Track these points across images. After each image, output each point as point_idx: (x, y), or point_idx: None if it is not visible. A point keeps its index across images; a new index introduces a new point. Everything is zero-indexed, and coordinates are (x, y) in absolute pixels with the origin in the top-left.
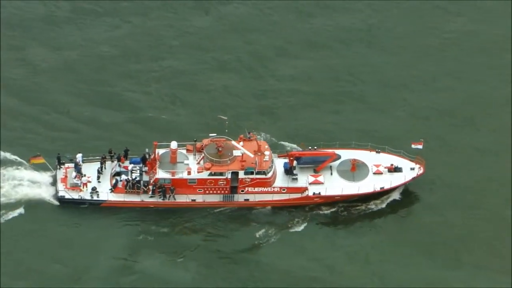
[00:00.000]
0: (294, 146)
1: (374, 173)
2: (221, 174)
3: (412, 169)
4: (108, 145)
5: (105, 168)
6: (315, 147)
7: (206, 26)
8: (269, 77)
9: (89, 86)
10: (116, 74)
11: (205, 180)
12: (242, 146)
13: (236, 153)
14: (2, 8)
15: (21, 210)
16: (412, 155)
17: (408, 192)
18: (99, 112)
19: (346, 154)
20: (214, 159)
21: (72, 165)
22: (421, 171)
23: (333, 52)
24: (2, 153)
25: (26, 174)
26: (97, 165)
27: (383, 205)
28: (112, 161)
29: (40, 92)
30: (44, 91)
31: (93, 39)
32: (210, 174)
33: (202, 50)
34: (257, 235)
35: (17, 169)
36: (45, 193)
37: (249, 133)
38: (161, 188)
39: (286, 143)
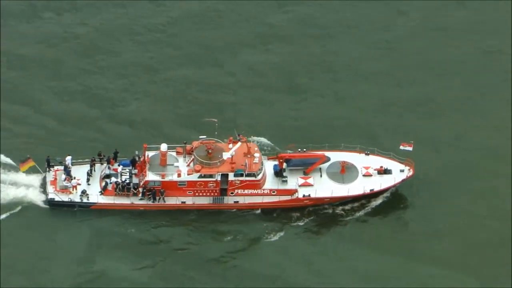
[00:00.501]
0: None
1: (363, 175)
2: (211, 176)
3: (402, 171)
4: (96, 147)
5: (94, 170)
6: (305, 149)
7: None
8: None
9: (72, 84)
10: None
11: (195, 182)
12: (231, 148)
13: (225, 155)
14: None
15: (10, 213)
16: (401, 157)
17: (397, 194)
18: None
19: (336, 156)
20: (204, 161)
21: (61, 167)
22: (411, 173)
23: (299, 45)
24: None
25: (14, 176)
26: (86, 167)
27: (372, 207)
28: (102, 164)
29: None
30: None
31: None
32: (200, 176)
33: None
34: (246, 238)
35: (6, 171)
36: (35, 195)
37: (238, 135)
38: (151, 191)
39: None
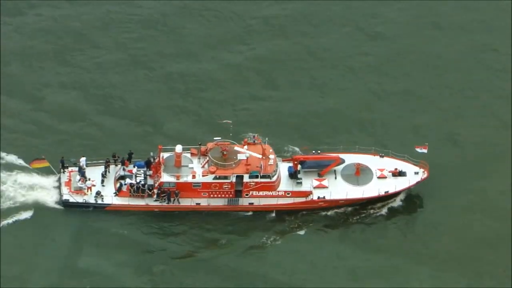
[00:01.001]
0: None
1: (378, 177)
2: (225, 177)
3: (416, 173)
4: (110, 149)
5: (109, 172)
6: (319, 151)
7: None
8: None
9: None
10: None
11: (209, 183)
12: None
13: (240, 156)
14: None
15: (26, 214)
16: (415, 159)
17: (411, 196)
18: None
19: (350, 158)
20: (219, 162)
21: (75, 168)
22: (425, 175)
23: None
24: (4, 155)
25: (29, 177)
26: (101, 169)
27: (386, 210)
28: (116, 165)
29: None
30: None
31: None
32: (215, 178)
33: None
34: (262, 240)
35: (20, 172)
36: (49, 196)
37: (254, 136)
38: (165, 192)
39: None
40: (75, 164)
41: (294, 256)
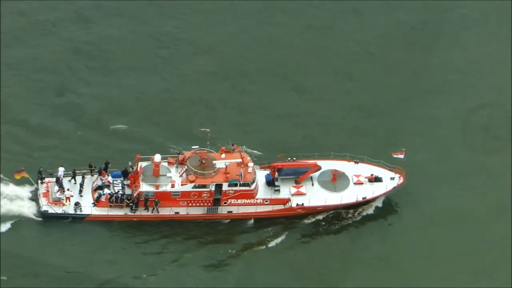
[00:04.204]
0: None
1: (355, 183)
2: (205, 186)
3: (392, 178)
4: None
5: (75, 182)
6: (294, 158)
7: None
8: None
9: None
10: None
11: (189, 192)
12: (224, 158)
13: (219, 164)
14: None
15: (4, 226)
16: (391, 165)
17: (388, 201)
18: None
19: (325, 165)
20: (198, 171)
21: (53, 179)
22: (402, 180)
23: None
24: None
25: (5, 188)
26: (78, 179)
27: (364, 216)
28: (92, 175)
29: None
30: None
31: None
32: (194, 187)
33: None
34: (240, 248)
35: None
36: (27, 207)
37: (232, 144)
38: (133, 201)
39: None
40: (51, 175)
41: (274, 263)
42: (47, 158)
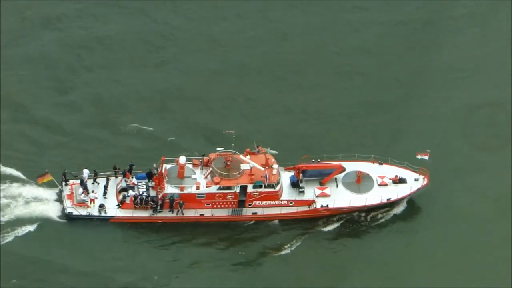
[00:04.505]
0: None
1: (379, 185)
2: (229, 188)
3: (416, 180)
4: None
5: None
6: (319, 160)
7: None
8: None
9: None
10: None
11: (213, 194)
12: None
13: (244, 166)
14: None
15: (29, 228)
16: (415, 166)
17: (412, 202)
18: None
19: (350, 166)
20: (223, 173)
21: (77, 181)
22: (426, 181)
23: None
24: (4, 169)
25: (30, 191)
26: (102, 181)
27: (389, 217)
28: (116, 177)
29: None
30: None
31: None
32: (219, 189)
33: None
34: (265, 249)
35: (22, 186)
36: (52, 210)
37: (257, 146)
38: (156, 202)
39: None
40: (75, 177)
41: (300, 264)
42: (65, 159)
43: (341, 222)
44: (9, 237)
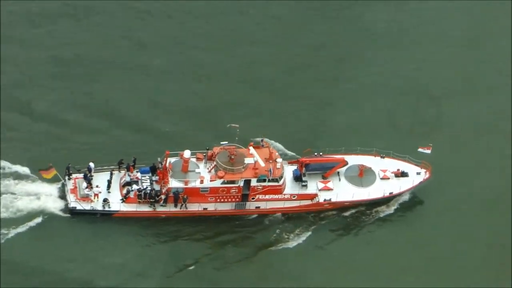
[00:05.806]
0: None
1: (381, 178)
2: (233, 182)
3: (418, 173)
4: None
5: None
6: (321, 153)
7: None
8: None
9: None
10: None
11: (217, 188)
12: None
13: (248, 160)
14: None
15: (32, 222)
16: (417, 160)
17: (414, 196)
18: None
19: (351, 160)
20: (228, 167)
21: (80, 175)
22: (428, 175)
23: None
24: (6, 163)
25: (33, 185)
26: (106, 175)
27: (391, 211)
28: (120, 171)
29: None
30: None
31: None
32: (223, 183)
33: None
34: (269, 243)
35: (24, 180)
36: (55, 204)
37: (262, 140)
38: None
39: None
40: (79, 171)
41: (303, 258)
42: (69, 153)
43: (344, 215)
44: (12, 232)
